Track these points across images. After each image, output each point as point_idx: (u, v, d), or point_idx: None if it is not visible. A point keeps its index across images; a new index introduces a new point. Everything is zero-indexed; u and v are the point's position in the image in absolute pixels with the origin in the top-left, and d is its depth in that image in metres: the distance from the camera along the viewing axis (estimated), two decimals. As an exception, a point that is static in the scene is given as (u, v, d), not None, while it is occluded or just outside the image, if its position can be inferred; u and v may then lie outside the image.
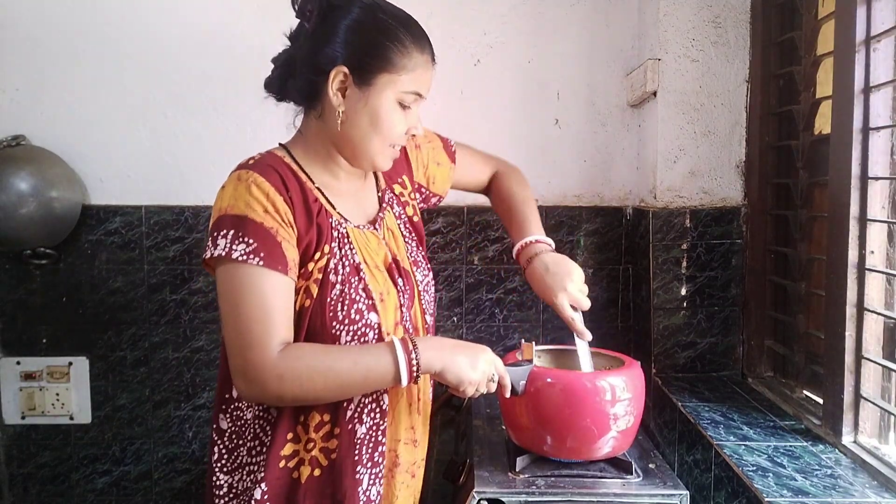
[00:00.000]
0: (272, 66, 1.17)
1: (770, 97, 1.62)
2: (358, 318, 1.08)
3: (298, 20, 1.13)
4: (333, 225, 1.11)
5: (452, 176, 1.42)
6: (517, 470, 1.34)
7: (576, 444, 1.30)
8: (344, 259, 1.10)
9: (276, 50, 1.92)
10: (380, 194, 1.26)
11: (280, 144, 1.18)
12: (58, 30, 1.93)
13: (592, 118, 1.98)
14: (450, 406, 1.80)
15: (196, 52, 1.94)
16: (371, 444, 1.12)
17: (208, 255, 1.03)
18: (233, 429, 1.12)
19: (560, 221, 1.99)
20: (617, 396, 1.28)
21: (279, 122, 1.98)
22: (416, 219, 1.31)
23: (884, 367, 1.20)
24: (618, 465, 1.36)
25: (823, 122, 1.42)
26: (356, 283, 1.09)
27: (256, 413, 1.10)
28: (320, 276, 1.07)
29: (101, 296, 2.00)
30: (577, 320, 1.27)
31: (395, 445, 1.17)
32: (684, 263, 1.70)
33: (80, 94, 1.95)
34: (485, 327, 2.02)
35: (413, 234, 1.28)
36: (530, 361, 1.26)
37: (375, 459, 1.13)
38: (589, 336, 1.30)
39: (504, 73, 1.96)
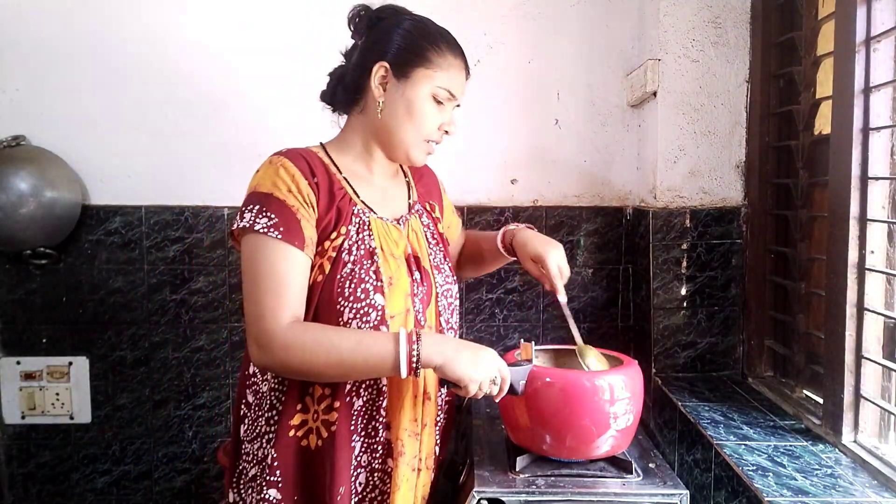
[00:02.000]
0: (328, 78, 1.29)
1: (770, 97, 1.62)
2: (363, 296, 1.13)
3: (353, 40, 1.26)
4: (355, 212, 1.18)
5: (457, 236, 1.51)
6: (517, 470, 1.33)
7: (575, 444, 1.30)
8: (360, 242, 1.16)
9: (275, 50, 1.94)
10: (411, 202, 1.33)
11: (320, 143, 1.27)
12: (58, 30, 1.93)
13: (592, 118, 1.98)
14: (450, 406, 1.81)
15: (196, 53, 1.94)
16: (366, 418, 1.17)
17: (235, 226, 1.13)
18: (255, 401, 1.20)
19: (560, 221, 1.99)
20: (615, 395, 1.28)
21: (279, 122, 1.99)
22: (444, 235, 1.38)
23: (884, 366, 1.20)
24: (618, 464, 1.36)
25: (823, 122, 1.42)
26: (368, 265, 1.15)
27: (272, 385, 1.16)
28: (334, 255, 1.14)
29: (101, 296, 2.00)
30: (562, 279, 1.33)
31: (400, 433, 1.19)
32: (684, 263, 1.70)
33: (80, 94, 1.95)
34: (485, 327, 2.02)
35: (440, 246, 1.34)
36: (530, 361, 1.26)
37: (369, 431, 1.18)
38: (564, 297, 1.35)
39: (504, 73, 1.96)
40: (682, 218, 1.70)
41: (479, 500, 1.27)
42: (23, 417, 2.02)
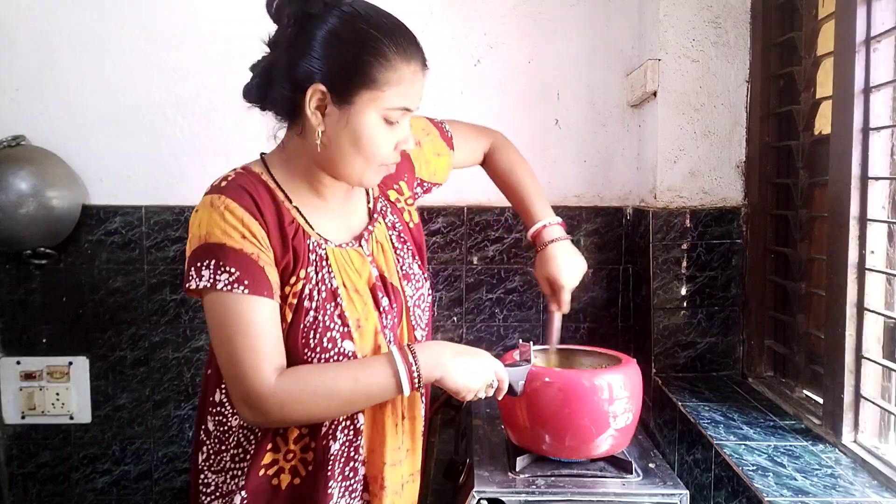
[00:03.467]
0: (251, 73, 1.10)
1: (770, 97, 1.62)
2: (331, 346, 1.05)
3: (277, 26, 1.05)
4: (311, 247, 1.06)
5: (452, 162, 1.38)
6: (517, 470, 1.33)
7: (575, 443, 1.30)
8: (320, 283, 1.06)
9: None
10: (370, 205, 1.21)
11: (260, 155, 1.14)
12: (58, 30, 1.93)
13: (592, 118, 1.98)
14: (450, 406, 1.81)
15: (196, 53, 1.95)
16: (343, 460, 1.10)
17: (193, 286, 1.00)
18: (217, 433, 1.11)
19: (560, 221, 1.99)
20: (614, 394, 1.28)
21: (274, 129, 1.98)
22: (412, 224, 1.26)
23: (884, 366, 1.20)
24: (618, 464, 1.36)
25: (823, 123, 1.42)
26: (331, 309, 1.06)
27: (241, 422, 1.09)
28: (295, 302, 1.04)
29: (101, 296, 2.00)
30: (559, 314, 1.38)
31: (381, 468, 1.13)
32: (684, 263, 1.70)
33: (80, 94, 1.95)
34: (485, 327, 2.02)
35: (408, 244, 1.23)
36: (529, 361, 1.26)
37: (346, 474, 1.10)
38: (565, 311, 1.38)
39: (504, 73, 1.96)
40: (682, 218, 1.70)
41: (479, 500, 1.27)
42: (23, 417, 2.02)
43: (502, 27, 1.95)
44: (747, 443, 1.28)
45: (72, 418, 2.02)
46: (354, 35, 1.00)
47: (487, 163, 1.47)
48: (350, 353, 1.07)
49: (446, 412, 1.83)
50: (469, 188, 1.99)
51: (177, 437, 2.04)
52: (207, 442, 1.13)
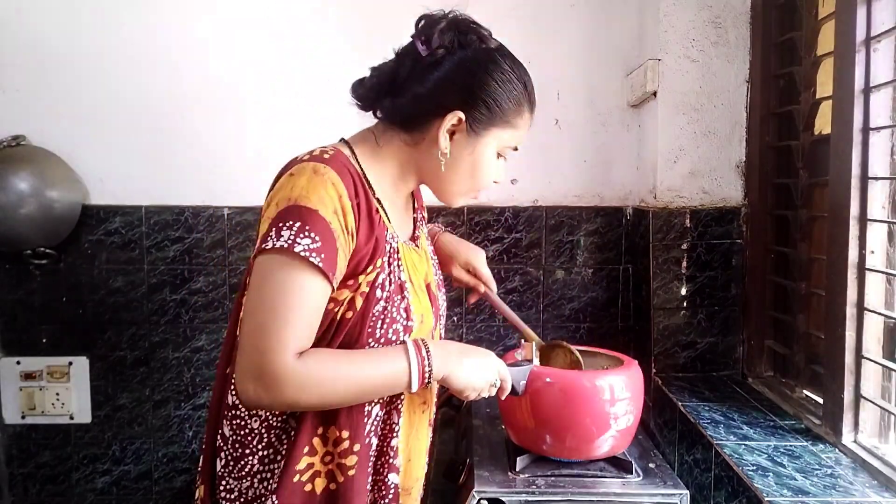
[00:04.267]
0: (369, 72, 1.12)
1: (770, 97, 1.62)
2: (394, 337, 1.05)
3: (415, 39, 1.08)
4: (388, 239, 1.07)
5: None
6: (517, 470, 1.34)
7: (575, 444, 1.30)
8: (391, 275, 1.06)
9: (273, 50, 1.93)
10: (415, 214, 1.23)
11: (344, 140, 1.13)
12: (58, 30, 1.93)
13: (592, 118, 1.98)
14: (450, 406, 1.81)
15: (196, 53, 1.94)
16: (378, 454, 1.09)
17: (269, 245, 0.94)
18: (235, 437, 1.07)
19: (560, 221, 1.99)
20: (616, 396, 1.28)
21: (279, 122, 1.98)
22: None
23: (884, 366, 1.20)
24: (618, 464, 1.36)
25: (823, 123, 1.42)
26: (398, 301, 1.06)
27: (272, 423, 1.05)
28: (367, 290, 1.02)
29: (101, 296, 2.00)
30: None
31: (412, 473, 1.15)
32: (684, 263, 1.70)
33: (80, 94, 1.95)
34: (485, 327, 2.02)
35: (435, 255, 1.28)
36: (530, 361, 1.26)
37: (378, 468, 1.09)
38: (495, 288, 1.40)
39: (504, 73, 1.96)
40: (682, 218, 1.70)
41: (479, 500, 1.27)
42: (23, 417, 2.02)
43: (502, 27, 1.93)
44: (747, 443, 1.28)
45: (72, 418, 2.02)
46: (501, 76, 1.07)
47: None
48: None
49: (446, 412, 1.83)
50: (469, 188, 1.99)
51: (177, 437, 2.04)
52: (225, 448, 1.08)
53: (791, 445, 1.26)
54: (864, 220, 1.20)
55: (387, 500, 1.10)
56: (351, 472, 1.04)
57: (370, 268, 1.03)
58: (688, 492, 1.29)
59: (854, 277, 1.21)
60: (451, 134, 1.07)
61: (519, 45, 1.95)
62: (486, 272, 1.35)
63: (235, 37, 1.94)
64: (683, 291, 1.71)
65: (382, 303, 1.03)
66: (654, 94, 1.72)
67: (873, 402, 1.20)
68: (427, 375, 1.02)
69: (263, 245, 0.95)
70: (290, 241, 0.94)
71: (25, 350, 2.00)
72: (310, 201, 0.96)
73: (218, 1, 1.94)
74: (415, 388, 1.02)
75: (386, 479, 1.09)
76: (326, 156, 1.02)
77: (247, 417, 1.06)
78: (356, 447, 1.05)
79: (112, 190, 1.98)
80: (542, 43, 1.95)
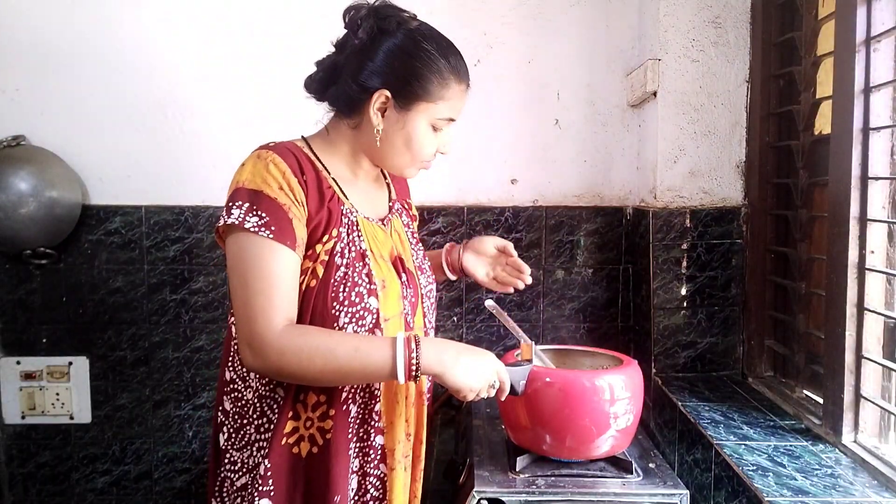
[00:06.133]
0: (315, 67, 1.23)
1: (770, 97, 1.62)
2: (358, 300, 1.12)
3: (347, 30, 1.19)
4: (344, 212, 1.16)
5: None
6: (517, 470, 1.34)
7: (575, 444, 1.30)
8: (351, 244, 1.14)
9: (273, 50, 1.93)
10: (391, 203, 1.32)
11: (301, 137, 1.24)
12: (58, 30, 1.93)
13: (592, 118, 1.98)
14: (450, 406, 1.81)
15: (195, 52, 1.94)
16: (360, 421, 1.16)
17: (221, 223, 1.08)
18: (234, 409, 1.16)
19: (560, 221, 1.99)
20: (615, 395, 1.28)
21: (279, 122, 1.98)
22: (417, 235, 1.38)
23: (884, 366, 1.20)
24: (618, 464, 1.36)
25: (823, 122, 1.42)
26: (360, 267, 1.14)
27: (262, 393, 1.14)
28: (326, 258, 1.11)
29: (101, 296, 2.00)
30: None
31: (396, 435, 1.20)
32: (684, 263, 1.70)
33: (80, 95, 1.95)
34: (485, 327, 2.02)
35: (419, 246, 1.34)
36: (529, 361, 1.26)
37: (361, 436, 1.17)
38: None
39: (504, 73, 1.96)
40: (682, 218, 1.70)
41: (479, 500, 1.27)
42: (23, 417, 2.02)
43: (502, 27, 1.95)
44: (747, 443, 1.28)
45: (72, 418, 2.02)
46: (420, 53, 1.15)
47: None
48: (374, 310, 1.13)
49: (446, 412, 1.83)
50: (469, 188, 1.99)
51: (177, 437, 2.04)
52: (227, 422, 1.17)
53: (791, 445, 1.26)
54: (864, 220, 1.20)
55: (374, 463, 1.18)
56: (329, 436, 1.12)
57: (325, 237, 1.12)
58: (688, 492, 1.29)
59: (854, 277, 1.21)
60: (382, 112, 1.16)
61: (519, 45, 1.97)
62: (514, 253, 1.40)
63: (235, 36, 1.94)
64: (683, 291, 1.71)
65: (343, 269, 1.12)
66: (654, 94, 1.72)
67: (873, 402, 1.20)
68: (415, 369, 1.06)
69: (217, 223, 1.09)
70: (239, 219, 1.06)
71: (25, 350, 2.00)
72: (254, 183, 1.08)
73: (218, 1, 1.94)
74: (401, 379, 1.06)
75: (373, 443, 1.17)
76: (272, 144, 1.15)
77: (242, 389, 1.15)
78: (332, 412, 1.13)
79: (112, 190, 1.98)
80: (542, 43, 1.95)
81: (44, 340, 2.00)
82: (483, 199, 2.00)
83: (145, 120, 1.96)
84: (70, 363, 2.01)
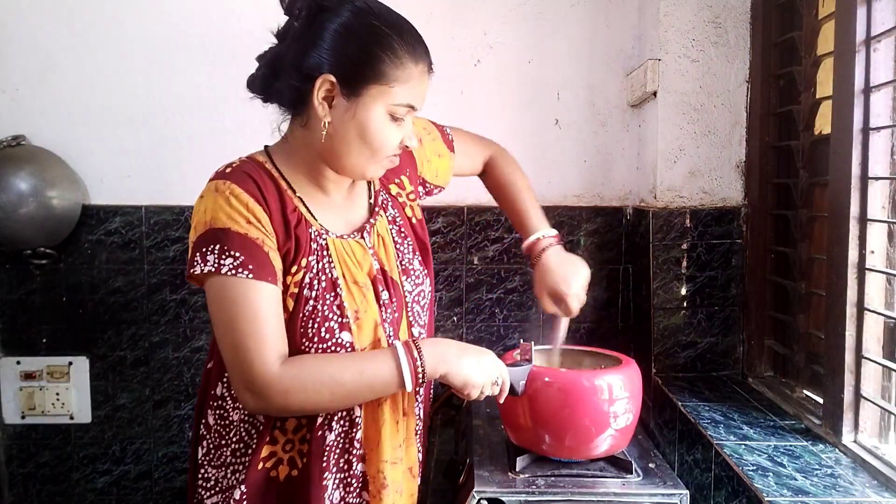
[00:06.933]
0: (257, 63, 1.12)
1: (770, 97, 1.62)
2: (328, 336, 1.06)
3: (287, 17, 1.08)
4: (312, 236, 1.07)
5: (453, 165, 1.39)
6: (517, 470, 1.33)
7: (574, 443, 1.30)
8: (321, 273, 1.06)
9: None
10: (371, 200, 1.21)
11: (265, 147, 1.15)
12: (58, 30, 1.93)
13: (592, 118, 1.98)
14: (450, 406, 1.81)
15: (196, 52, 1.94)
16: (338, 451, 1.10)
17: (197, 271, 1.00)
18: (217, 427, 1.12)
19: (560, 221, 1.99)
20: (614, 395, 1.28)
21: (279, 122, 1.98)
22: (415, 220, 1.26)
23: (884, 366, 1.20)
24: (618, 464, 1.36)
25: (823, 122, 1.42)
26: (331, 299, 1.06)
27: (242, 416, 1.09)
28: (296, 291, 1.04)
29: (101, 296, 2.00)
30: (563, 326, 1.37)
31: (380, 465, 1.12)
32: (684, 263, 1.70)
33: (80, 94, 1.95)
34: (485, 327, 2.02)
35: (409, 240, 1.23)
36: (529, 361, 1.26)
37: (341, 466, 1.11)
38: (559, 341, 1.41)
39: (504, 73, 1.96)
40: (682, 218, 1.70)
41: (479, 500, 1.27)
42: (23, 417, 2.02)
43: (502, 27, 1.95)
44: (747, 443, 1.28)
45: (72, 418, 2.02)
46: (367, 30, 1.02)
47: (486, 173, 1.48)
48: (347, 344, 1.07)
49: (446, 412, 1.83)
50: (469, 188, 1.98)
51: (177, 437, 2.04)
52: (207, 436, 1.13)
53: (791, 445, 1.26)
54: (864, 220, 1.20)
55: (357, 492, 1.12)
56: (306, 460, 1.08)
57: (294, 267, 1.04)
58: (688, 492, 1.29)
59: (854, 277, 1.21)
60: (329, 101, 1.03)
61: (519, 45, 1.97)
62: (573, 304, 1.30)
63: (235, 35, 1.94)
64: (683, 291, 1.71)
65: (311, 302, 1.05)
66: (654, 93, 1.72)
67: (873, 402, 1.20)
68: (421, 375, 1.03)
69: (192, 270, 1.01)
70: (215, 265, 0.99)
71: (25, 350, 2.01)
72: (220, 221, 1.01)
73: (217, 2, 1.94)
74: (409, 388, 1.03)
75: (354, 471, 1.11)
76: (228, 170, 1.06)
77: (230, 409, 1.11)
78: (309, 435, 1.08)
79: (112, 190, 1.98)
80: (542, 43, 1.95)
81: (44, 340, 2.01)
82: (483, 199, 2.00)
83: (145, 120, 1.96)
84: (70, 363, 2.01)
